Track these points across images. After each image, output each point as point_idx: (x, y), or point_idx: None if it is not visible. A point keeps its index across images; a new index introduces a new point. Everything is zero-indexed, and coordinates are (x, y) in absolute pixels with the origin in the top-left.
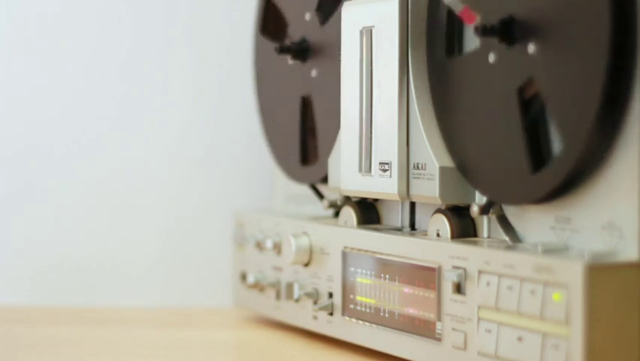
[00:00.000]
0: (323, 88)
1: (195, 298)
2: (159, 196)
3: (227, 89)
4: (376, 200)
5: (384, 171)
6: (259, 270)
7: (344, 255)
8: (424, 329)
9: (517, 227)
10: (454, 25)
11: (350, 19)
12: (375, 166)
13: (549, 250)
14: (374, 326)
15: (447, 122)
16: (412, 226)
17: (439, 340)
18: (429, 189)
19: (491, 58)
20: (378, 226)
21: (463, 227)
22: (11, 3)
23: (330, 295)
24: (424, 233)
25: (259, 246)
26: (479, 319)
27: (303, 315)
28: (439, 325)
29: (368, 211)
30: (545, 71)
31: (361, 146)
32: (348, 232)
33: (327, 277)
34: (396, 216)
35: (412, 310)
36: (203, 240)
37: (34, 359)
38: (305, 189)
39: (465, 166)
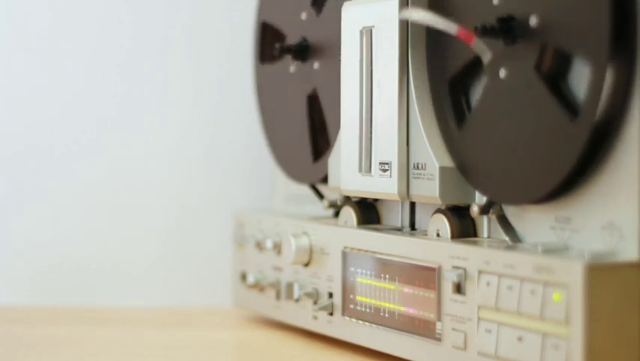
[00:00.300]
0: (327, 80)
1: (195, 298)
2: (159, 196)
3: (227, 89)
4: (376, 200)
5: (384, 171)
6: (259, 270)
7: (344, 255)
8: (424, 329)
9: (517, 227)
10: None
11: (350, 19)
12: (375, 166)
13: (549, 250)
14: (374, 326)
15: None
16: (412, 226)
17: (439, 340)
18: (429, 189)
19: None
20: (378, 226)
21: (463, 227)
22: (11, 3)
23: (330, 295)
24: (424, 233)
25: (259, 246)
26: (479, 319)
27: (303, 315)
28: (439, 325)
29: (368, 211)
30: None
31: (361, 146)
32: (348, 232)
33: (327, 277)
34: (396, 216)
35: (412, 310)
36: (203, 240)
37: (34, 359)
38: (305, 189)
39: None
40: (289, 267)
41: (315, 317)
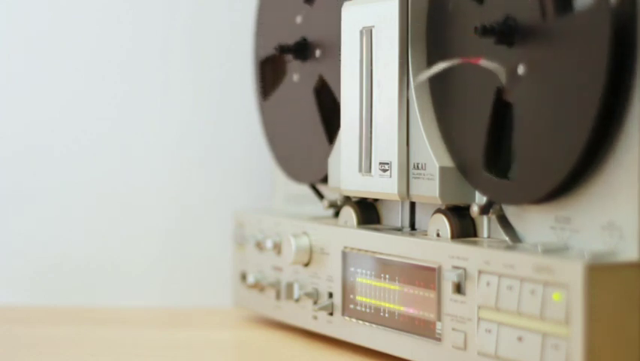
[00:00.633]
0: (331, 64)
1: (195, 298)
2: (159, 196)
3: (227, 89)
4: (376, 200)
5: (384, 171)
6: (259, 270)
7: (344, 255)
8: (424, 329)
9: (517, 227)
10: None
11: (350, 19)
12: (375, 166)
13: (549, 250)
14: (374, 326)
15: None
16: (412, 226)
17: (439, 340)
18: (429, 189)
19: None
20: (378, 226)
21: (463, 227)
22: (11, 3)
23: (330, 295)
24: (424, 233)
25: (259, 246)
26: (479, 319)
27: (303, 315)
28: (439, 325)
29: (368, 211)
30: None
31: (361, 146)
32: (348, 232)
33: (327, 277)
34: (396, 216)
35: (412, 310)
36: (203, 240)
37: (34, 359)
38: (305, 189)
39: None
40: (289, 267)
41: (315, 317)
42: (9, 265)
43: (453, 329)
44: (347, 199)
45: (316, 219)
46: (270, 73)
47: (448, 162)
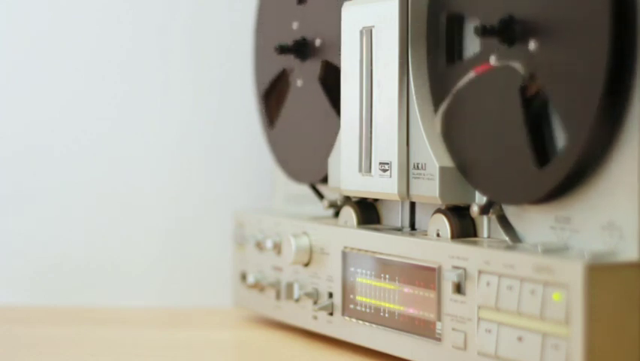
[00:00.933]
0: (332, 49)
1: (195, 298)
2: (159, 196)
3: (227, 89)
4: (376, 200)
5: (384, 171)
6: (259, 270)
7: (344, 255)
8: (424, 329)
9: (517, 227)
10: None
11: (350, 19)
12: (375, 166)
13: (549, 250)
14: (374, 326)
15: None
16: (412, 226)
17: (439, 340)
18: (429, 189)
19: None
20: (378, 226)
21: (463, 227)
22: (11, 3)
23: (330, 295)
24: (424, 233)
25: (259, 246)
26: (479, 319)
27: (303, 315)
28: (439, 325)
29: (368, 211)
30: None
31: (361, 146)
32: (348, 232)
33: (327, 277)
34: (396, 216)
35: (412, 310)
36: (203, 240)
37: (34, 359)
38: (305, 189)
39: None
40: (289, 267)
41: (315, 317)
42: (9, 265)
43: (453, 329)
44: (347, 199)
45: (316, 219)
46: (273, 101)
47: (448, 162)
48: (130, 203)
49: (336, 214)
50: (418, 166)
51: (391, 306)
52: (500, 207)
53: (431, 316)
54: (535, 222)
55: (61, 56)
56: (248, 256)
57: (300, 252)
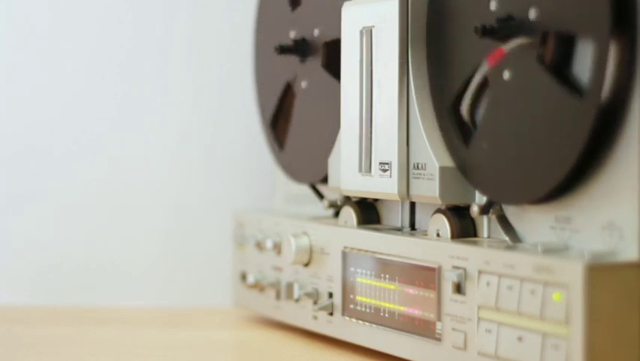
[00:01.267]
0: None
1: (195, 298)
2: (159, 196)
3: (227, 89)
4: (376, 200)
5: (384, 171)
6: (259, 270)
7: (344, 255)
8: (424, 329)
9: (517, 227)
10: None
11: (350, 19)
12: (375, 166)
13: (549, 250)
14: (374, 326)
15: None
16: (412, 226)
17: (439, 340)
18: (429, 189)
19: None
20: (378, 226)
21: (463, 227)
22: (11, 3)
23: (330, 295)
24: (424, 233)
25: (259, 246)
26: (479, 319)
27: (303, 315)
28: (439, 325)
29: (368, 211)
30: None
31: (361, 146)
32: (348, 232)
33: (327, 277)
34: (396, 216)
35: (412, 310)
36: (203, 240)
37: (34, 359)
38: (305, 189)
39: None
40: (289, 267)
41: (315, 317)
42: (9, 265)
43: (453, 329)
44: (347, 199)
45: (316, 219)
46: (281, 126)
47: (448, 162)
48: (130, 203)
49: (336, 214)
50: (418, 166)
51: (391, 306)
52: (500, 207)
53: (431, 316)
54: (535, 222)
55: (61, 56)
56: (248, 256)
57: (300, 252)
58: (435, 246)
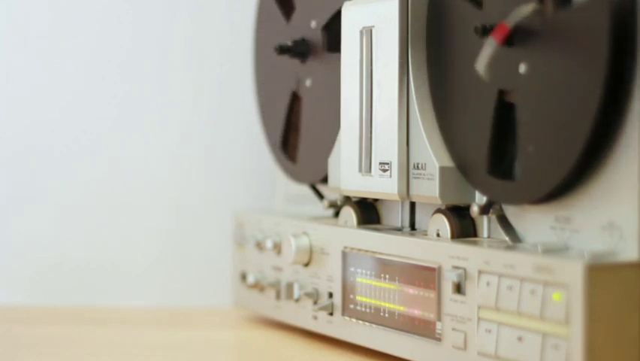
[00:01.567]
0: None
1: (195, 298)
2: (159, 196)
3: (227, 89)
4: (376, 200)
5: (384, 171)
6: (259, 270)
7: (344, 255)
8: (424, 329)
9: (517, 227)
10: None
11: (350, 19)
12: (375, 166)
13: (549, 250)
14: (374, 326)
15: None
16: (412, 226)
17: (439, 340)
18: (429, 189)
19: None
20: (378, 226)
21: (463, 227)
22: (11, 3)
23: (330, 295)
24: (424, 233)
25: (259, 246)
26: (479, 319)
27: (303, 315)
28: (439, 325)
29: (368, 211)
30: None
31: (361, 146)
32: (348, 232)
33: (327, 277)
34: (396, 216)
35: (412, 311)
36: (203, 240)
37: (34, 359)
38: (305, 189)
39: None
40: (289, 267)
41: (315, 317)
42: (9, 265)
43: (453, 329)
44: (347, 199)
45: (316, 219)
46: (292, 136)
47: (448, 162)
48: (130, 203)
49: (336, 214)
50: (418, 166)
51: (391, 306)
52: (500, 207)
53: (431, 316)
54: (535, 222)
55: (61, 56)
56: (248, 256)
57: (300, 252)
58: (435, 246)
